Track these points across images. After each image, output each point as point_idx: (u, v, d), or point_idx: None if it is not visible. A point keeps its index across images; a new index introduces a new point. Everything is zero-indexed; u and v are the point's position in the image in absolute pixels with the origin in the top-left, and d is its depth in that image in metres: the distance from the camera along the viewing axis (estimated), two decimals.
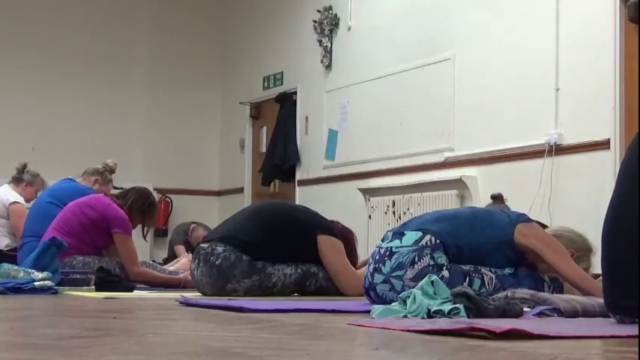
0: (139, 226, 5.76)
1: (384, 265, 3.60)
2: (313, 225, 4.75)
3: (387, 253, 3.62)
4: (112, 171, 6.54)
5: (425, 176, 7.97)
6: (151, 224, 5.97)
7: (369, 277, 3.66)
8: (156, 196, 11.32)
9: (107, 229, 5.53)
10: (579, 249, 3.96)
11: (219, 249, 4.58)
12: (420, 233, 3.62)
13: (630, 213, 2.61)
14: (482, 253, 3.69)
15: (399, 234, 3.67)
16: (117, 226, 5.51)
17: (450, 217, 3.76)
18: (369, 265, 3.70)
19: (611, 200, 2.73)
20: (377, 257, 3.66)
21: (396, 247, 3.61)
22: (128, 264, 5.46)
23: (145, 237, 5.90)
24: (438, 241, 3.60)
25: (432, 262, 3.55)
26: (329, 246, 4.70)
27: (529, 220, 3.88)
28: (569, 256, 3.75)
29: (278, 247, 4.63)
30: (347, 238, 4.91)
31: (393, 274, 3.56)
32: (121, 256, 5.50)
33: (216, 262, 4.55)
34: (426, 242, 3.59)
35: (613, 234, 2.68)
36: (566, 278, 3.72)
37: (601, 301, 2.83)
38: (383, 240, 3.73)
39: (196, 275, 4.65)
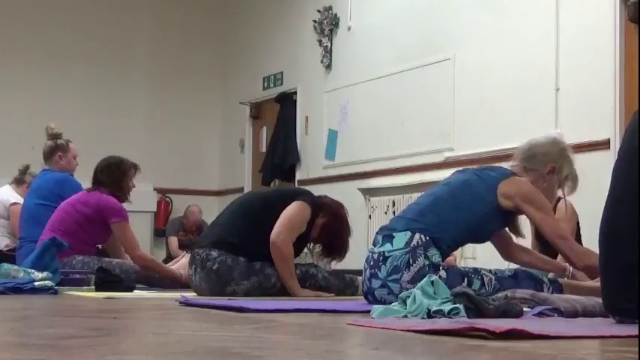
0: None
1: (380, 271, 3.58)
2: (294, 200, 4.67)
3: (381, 258, 3.60)
4: (58, 135, 6.47)
5: (425, 176, 7.96)
6: (132, 176, 5.89)
7: (367, 282, 3.65)
8: (156, 196, 11.40)
9: (103, 222, 5.57)
10: (556, 159, 3.89)
11: (214, 254, 4.56)
12: (409, 233, 3.59)
13: (626, 213, 2.61)
14: (474, 230, 3.70)
15: (388, 237, 3.63)
16: (113, 215, 5.55)
17: (432, 207, 3.69)
18: (365, 270, 3.69)
19: (606, 201, 2.73)
20: (371, 262, 3.64)
21: (389, 252, 3.58)
22: (130, 249, 5.50)
23: (128, 197, 5.85)
24: (428, 238, 3.57)
25: (427, 262, 3.54)
26: (287, 209, 4.62)
27: (509, 175, 3.79)
28: (551, 213, 3.78)
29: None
30: (336, 211, 4.83)
31: (390, 278, 3.55)
32: (122, 244, 5.53)
33: (214, 267, 4.54)
34: (417, 242, 3.57)
35: (609, 236, 2.68)
36: (547, 236, 3.74)
37: (599, 299, 2.83)
38: (374, 244, 3.70)
39: (195, 280, 4.63)
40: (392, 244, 3.59)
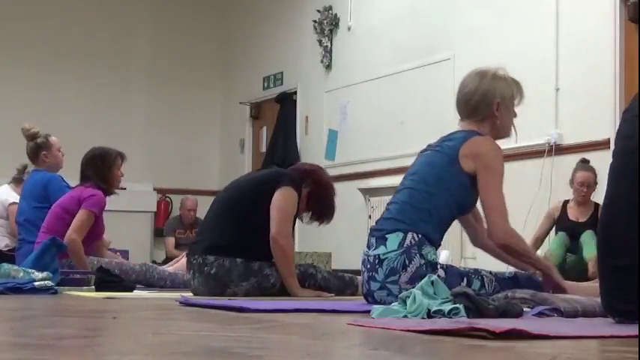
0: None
1: (378, 273, 3.56)
2: (276, 188, 4.57)
3: (377, 261, 3.58)
4: (36, 134, 6.39)
5: None
6: (119, 165, 5.88)
7: (366, 285, 3.63)
8: (156, 196, 11.40)
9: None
10: (494, 92, 3.75)
11: (211, 258, 4.51)
12: (400, 234, 3.55)
13: (623, 214, 2.61)
14: (454, 207, 3.62)
15: (381, 239, 3.60)
16: (88, 203, 5.59)
17: (410, 201, 3.62)
18: (363, 273, 3.67)
19: (603, 203, 2.73)
20: (368, 266, 3.62)
21: (384, 254, 3.55)
22: (71, 229, 5.50)
23: (115, 189, 5.88)
24: (420, 236, 3.53)
25: (423, 261, 3.51)
26: (276, 201, 4.53)
27: (469, 137, 3.67)
28: (497, 179, 3.58)
29: (265, 243, 4.54)
30: (317, 178, 4.78)
31: (388, 280, 3.54)
32: (72, 223, 5.53)
33: (212, 272, 4.50)
34: (410, 241, 3.53)
35: (606, 237, 2.68)
36: (482, 197, 3.57)
37: (599, 299, 2.83)
38: (368, 247, 3.67)
39: (194, 285, 4.59)
40: (386, 247, 3.56)
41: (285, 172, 4.80)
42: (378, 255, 3.57)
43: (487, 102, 3.75)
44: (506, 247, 3.62)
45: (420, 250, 3.53)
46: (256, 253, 4.55)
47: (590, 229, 6.33)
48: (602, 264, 2.70)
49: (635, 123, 2.66)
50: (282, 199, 4.56)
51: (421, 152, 3.88)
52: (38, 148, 6.38)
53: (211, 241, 4.60)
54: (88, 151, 5.94)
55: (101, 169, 5.77)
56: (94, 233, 5.69)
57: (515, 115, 3.85)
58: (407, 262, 3.51)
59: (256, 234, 4.53)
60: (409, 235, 3.54)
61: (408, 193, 3.67)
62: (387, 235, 3.58)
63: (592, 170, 6.56)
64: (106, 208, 5.75)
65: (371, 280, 3.60)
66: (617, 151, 2.73)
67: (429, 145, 3.87)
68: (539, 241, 6.83)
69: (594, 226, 6.43)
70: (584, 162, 6.63)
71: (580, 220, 6.68)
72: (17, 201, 6.97)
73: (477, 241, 3.98)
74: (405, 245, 3.53)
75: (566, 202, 6.80)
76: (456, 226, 3.81)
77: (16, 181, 7.17)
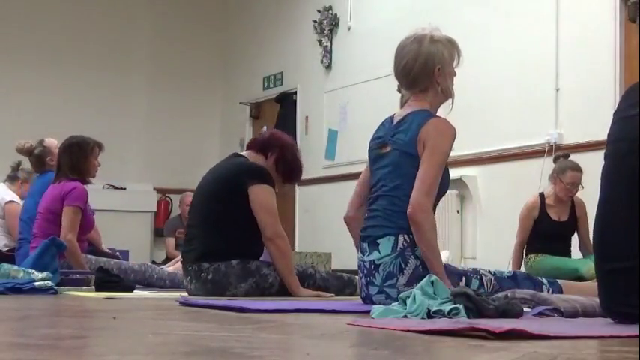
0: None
1: (375, 278, 3.56)
2: (245, 184, 4.52)
3: (373, 266, 3.57)
4: (32, 147, 6.38)
5: None
6: (96, 155, 5.85)
7: (365, 289, 3.63)
8: (156, 196, 11.39)
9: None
10: (433, 58, 3.72)
11: (206, 264, 4.49)
12: (392, 237, 3.52)
13: (617, 217, 2.61)
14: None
15: (373, 244, 3.59)
16: (70, 199, 5.57)
17: (390, 207, 3.58)
18: (361, 277, 3.66)
19: (597, 206, 2.73)
20: (365, 271, 3.60)
21: (378, 260, 3.54)
22: (65, 230, 5.50)
23: (90, 179, 5.85)
24: (411, 237, 3.50)
25: (418, 262, 3.49)
26: (257, 202, 4.49)
27: (423, 124, 3.61)
28: (437, 162, 3.53)
29: (255, 240, 4.53)
30: (279, 143, 4.77)
31: (386, 284, 3.53)
32: (62, 223, 5.53)
33: (209, 277, 4.48)
34: (403, 244, 3.50)
35: (602, 240, 2.67)
36: (417, 176, 3.51)
37: (597, 299, 2.83)
38: (362, 252, 3.65)
39: (191, 290, 4.57)
40: (379, 252, 3.54)
41: (249, 164, 4.69)
42: (373, 260, 3.56)
43: (427, 72, 3.70)
44: (414, 222, 3.47)
45: (413, 251, 3.51)
46: (249, 251, 4.54)
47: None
48: (600, 267, 2.69)
49: (626, 124, 2.64)
50: (264, 198, 4.53)
51: (375, 148, 3.83)
52: (40, 158, 6.38)
53: (201, 248, 4.55)
54: (65, 139, 5.89)
55: (77, 157, 5.72)
56: (84, 227, 5.68)
57: (455, 74, 3.81)
58: (403, 264, 3.50)
59: (243, 233, 4.52)
60: (400, 238, 3.52)
61: (387, 200, 3.63)
62: (378, 240, 3.56)
63: (581, 170, 6.53)
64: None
65: (369, 285, 3.59)
66: (608, 153, 2.72)
67: (380, 138, 3.81)
68: (523, 244, 6.63)
69: (575, 223, 6.49)
70: (566, 157, 6.58)
71: (562, 220, 6.59)
72: (14, 199, 6.96)
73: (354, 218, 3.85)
74: (398, 248, 3.51)
75: (542, 198, 6.63)
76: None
77: (11, 179, 7.17)
